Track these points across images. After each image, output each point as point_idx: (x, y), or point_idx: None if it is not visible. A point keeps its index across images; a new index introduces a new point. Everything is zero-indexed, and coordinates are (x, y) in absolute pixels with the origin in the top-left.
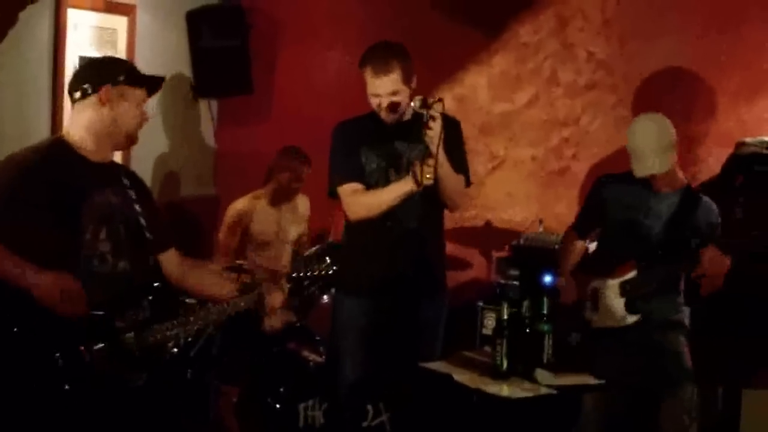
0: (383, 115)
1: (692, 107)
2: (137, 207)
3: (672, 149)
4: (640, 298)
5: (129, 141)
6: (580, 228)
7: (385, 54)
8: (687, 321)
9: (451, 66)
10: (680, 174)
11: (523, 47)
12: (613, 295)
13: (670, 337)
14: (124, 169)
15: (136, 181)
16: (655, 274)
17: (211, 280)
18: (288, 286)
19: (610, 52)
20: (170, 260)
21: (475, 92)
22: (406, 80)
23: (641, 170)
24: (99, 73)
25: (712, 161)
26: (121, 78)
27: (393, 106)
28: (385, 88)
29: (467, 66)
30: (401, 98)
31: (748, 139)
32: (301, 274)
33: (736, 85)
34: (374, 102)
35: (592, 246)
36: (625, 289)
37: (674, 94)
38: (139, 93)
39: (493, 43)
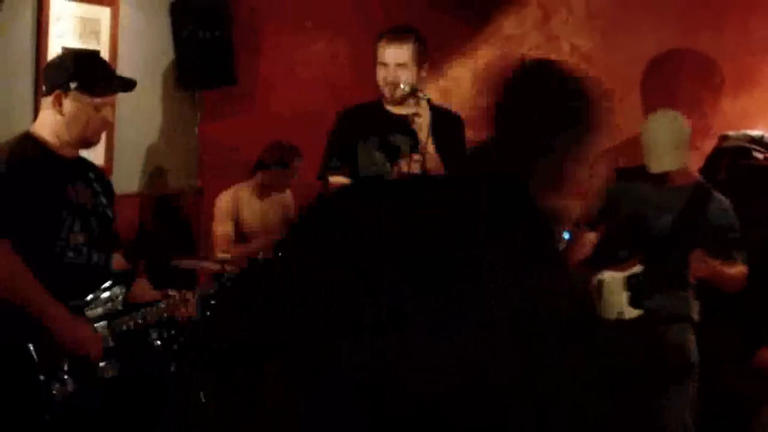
0: (386, 90)
1: (676, 101)
2: (104, 200)
3: (686, 146)
4: (644, 293)
5: (86, 143)
6: (592, 220)
7: (404, 28)
8: (696, 316)
9: (435, 58)
10: (692, 170)
11: (507, 40)
12: (617, 289)
13: (675, 331)
14: (90, 165)
15: (100, 176)
16: (660, 269)
17: (146, 291)
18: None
19: (593, 46)
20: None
21: (459, 85)
22: (417, 59)
23: (656, 166)
24: (55, 76)
25: (696, 155)
26: (73, 85)
27: (395, 84)
28: (394, 57)
29: (451, 59)
30: (407, 75)
31: (731, 133)
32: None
33: (719, 79)
34: (380, 74)
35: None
36: (630, 283)
37: (658, 88)
38: (96, 100)
39: (477, 36)
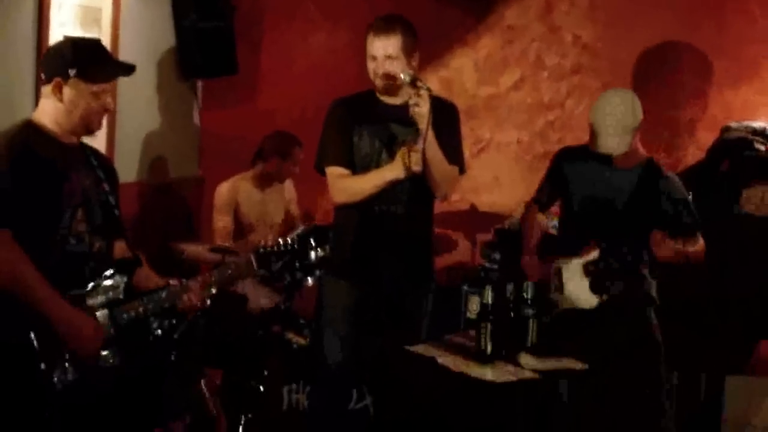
0: (377, 82)
1: (678, 92)
2: (106, 186)
3: (634, 131)
4: (604, 278)
5: (87, 130)
6: (542, 201)
7: (390, 19)
8: (654, 294)
9: (436, 49)
10: (641, 149)
11: (509, 30)
12: (577, 276)
13: (639, 315)
14: (91, 150)
15: (103, 161)
16: (618, 252)
17: (150, 279)
18: (254, 260)
19: (596, 36)
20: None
21: (461, 75)
22: (406, 50)
23: (599, 147)
24: (53, 64)
25: (698, 146)
26: (72, 73)
27: (386, 76)
28: (382, 50)
29: (453, 49)
30: (397, 67)
31: (733, 124)
32: (268, 249)
33: (722, 70)
34: (371, 67)
35: (552, 224)
36: (589, 270)
37: (660, 78)
38: (95, 87)
39: (480, 26)
